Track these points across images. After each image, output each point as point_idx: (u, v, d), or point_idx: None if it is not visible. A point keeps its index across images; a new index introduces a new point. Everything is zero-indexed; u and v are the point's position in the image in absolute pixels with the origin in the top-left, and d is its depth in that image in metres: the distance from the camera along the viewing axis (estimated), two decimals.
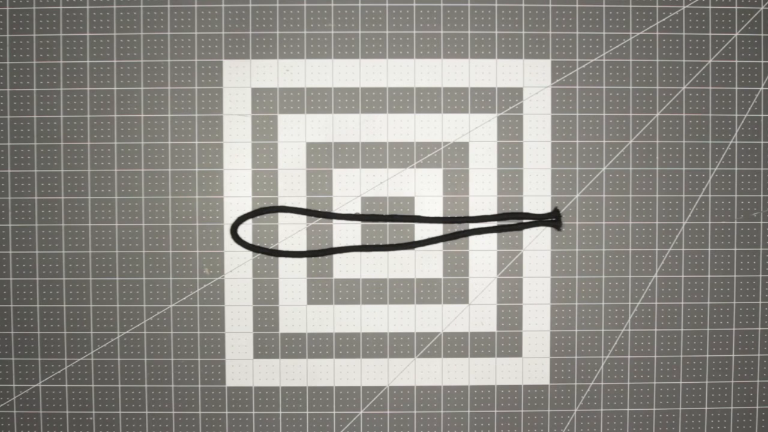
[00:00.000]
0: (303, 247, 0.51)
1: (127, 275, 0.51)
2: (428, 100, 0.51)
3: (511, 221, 0.51)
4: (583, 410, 0.51)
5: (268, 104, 0.51)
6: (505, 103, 0.51)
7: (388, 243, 0.51)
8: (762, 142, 0.51)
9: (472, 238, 0.51)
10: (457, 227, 0.51)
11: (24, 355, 0.51)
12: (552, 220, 0.50)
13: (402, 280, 0.51)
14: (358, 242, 0.51)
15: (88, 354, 0.51)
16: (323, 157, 0.51)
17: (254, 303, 0.51)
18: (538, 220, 0.50)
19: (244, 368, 0.51)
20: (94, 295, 0.51)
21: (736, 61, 0.51)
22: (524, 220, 0.51)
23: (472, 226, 0.51)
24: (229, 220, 0.51)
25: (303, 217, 0.51)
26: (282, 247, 0.51)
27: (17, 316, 0.51)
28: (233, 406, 0.51)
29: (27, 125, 0.51)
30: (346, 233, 0.51)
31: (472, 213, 0.51)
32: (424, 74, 0.51)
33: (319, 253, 0.48)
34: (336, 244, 0.51)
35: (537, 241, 0.51)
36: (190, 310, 0.51)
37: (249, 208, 0.51)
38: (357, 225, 0.51)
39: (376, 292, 0.51)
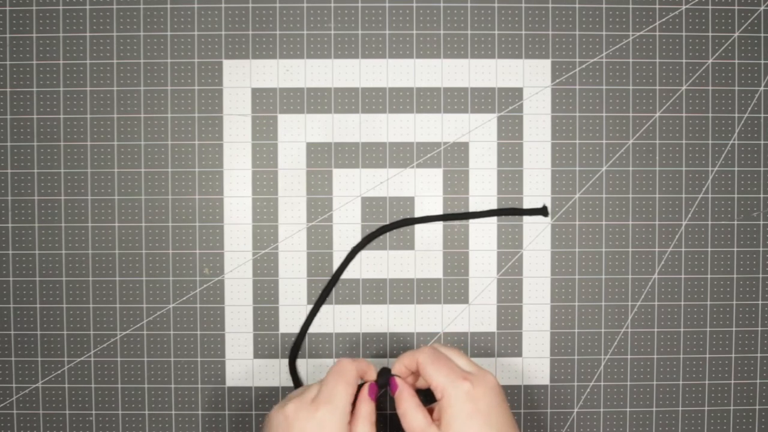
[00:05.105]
0: (303, 247, 0.51)
1: (127, 275, 0.51)
2: (428, 100, 0.51)
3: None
4: (583, 410, 0.51)
5: (268, 104, 0.51)
6: (505, 103, 0.51)
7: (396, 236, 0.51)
8: (762, 142, 0.51)
9: (472, 239, 0.51)
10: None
11: (24, 355, 0.51)
12: (539, 208, 0.51)
13: (402, 280, 0.51)
14: (358, 246, 0.51)
15: (88, 354, 0.51)
16: (323, 157, 0.51)
17: (254, 303, 0.51)
18: (528, 212, 0.51)
19: (244, 368, 0.51)
20: (94, 295, 0.51)
21: (736, 61, 0.51)
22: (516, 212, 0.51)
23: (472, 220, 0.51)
24: (229, 220, 0.51)
25: (303, 217, 0.51)
26: (282, 246, 0.51)
27: (17, 316, 0.51)
28: (233, 406, 0.51)
29: (27, 125, 0.51)
30: (347, 233, 0.51)
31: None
32: (424, 74, 0.51)
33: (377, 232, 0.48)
34: (336, 244, 0.51)
35: (537, 241, 0.51)
36: (190, 310, 0.51)
37: (249, 208, 0.51)
38: (357, 225, 0.51)
39: (376, 292, 0.51)
